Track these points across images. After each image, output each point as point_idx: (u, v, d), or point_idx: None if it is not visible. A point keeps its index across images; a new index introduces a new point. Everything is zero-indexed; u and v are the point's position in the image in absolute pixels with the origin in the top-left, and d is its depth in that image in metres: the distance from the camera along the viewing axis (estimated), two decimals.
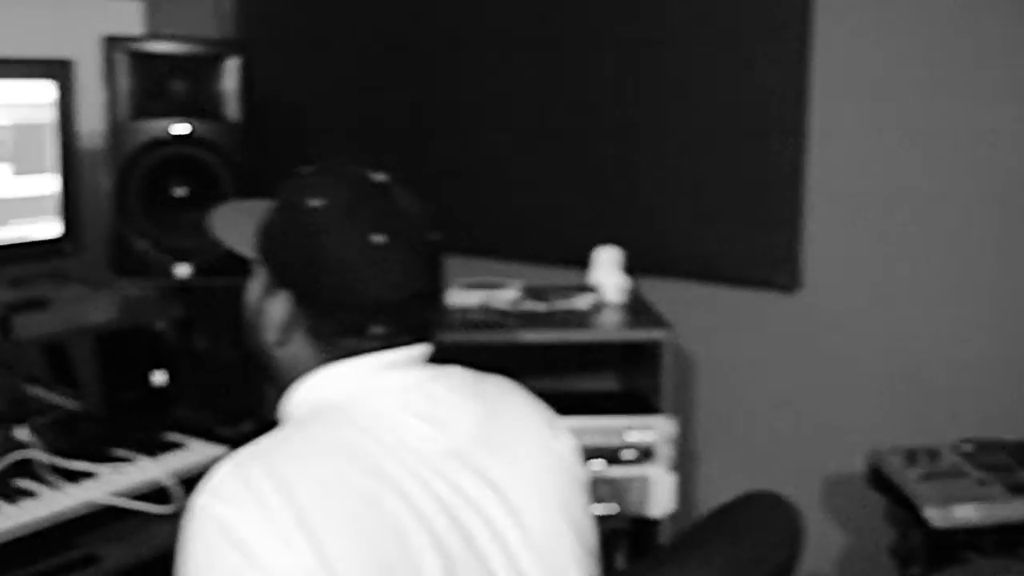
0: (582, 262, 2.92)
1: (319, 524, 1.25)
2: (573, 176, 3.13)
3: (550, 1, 3.11)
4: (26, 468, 2.17)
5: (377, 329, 1.43)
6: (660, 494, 2.59)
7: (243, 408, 2.78)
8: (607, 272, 2.84)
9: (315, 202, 1.44)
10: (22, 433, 2.27)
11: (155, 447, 2.33)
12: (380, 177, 1.48)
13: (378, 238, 1.41)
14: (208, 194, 2.71)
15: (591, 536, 1.52)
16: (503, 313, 2.68)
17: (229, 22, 3.40)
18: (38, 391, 2.66)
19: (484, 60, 3.22)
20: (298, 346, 1.47)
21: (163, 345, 2.70)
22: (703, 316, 3.03)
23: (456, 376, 1.50)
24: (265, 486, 1.27)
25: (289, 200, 1.49)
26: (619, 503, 2.59)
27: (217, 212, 1.66)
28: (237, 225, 1.59)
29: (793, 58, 2.79)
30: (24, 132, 2.58)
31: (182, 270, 2.71)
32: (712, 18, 2.89)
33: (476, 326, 2.58)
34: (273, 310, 1.49)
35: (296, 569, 1.23)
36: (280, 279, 1.48)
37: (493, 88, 3.21)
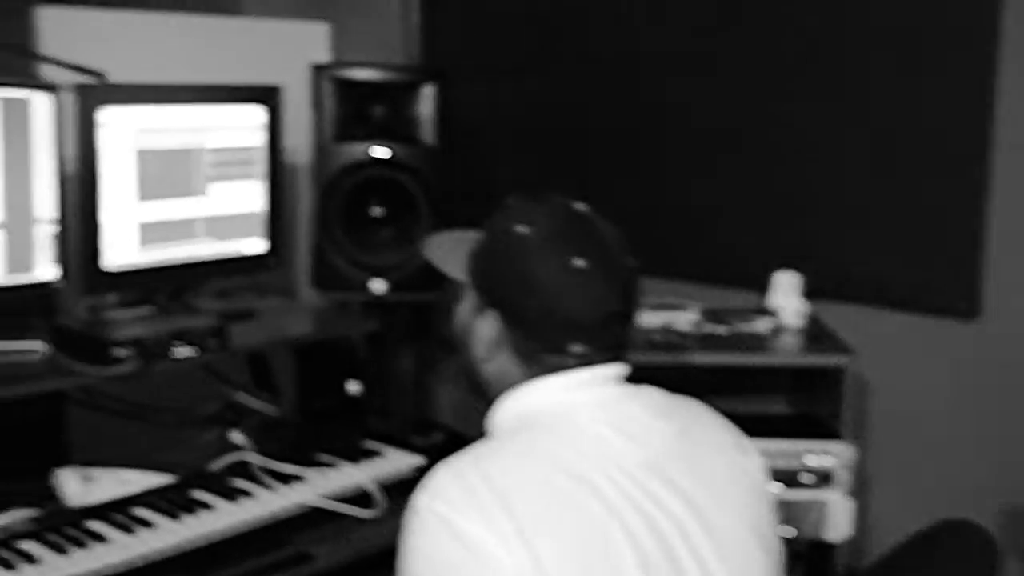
0: (760, 285, 2.95)
1: (531, 526, 1.36)
2: (753, 200, 3.17)
3: (731, 30, 3.16)
4: (242, 469, 2.34)
5: (577, 348, 1.53)
6: (838, 519, 2.61)
7: (430, 419, 2.92)
8: (786, 296, 2.87)
9: (523, 229, 1.56)
10: (236, 436, 2.44)
11: (355, 454, 2.47)
12: (581, 207, 1.59)
13: (579, 263, 1.52)
14: (404, 214, 2.85)
15: (779, 553, 1.58)
16: (684, 335, 2.75)
17: (416, 47, 3.55)
18: (242, 396, 2.85)
19: (666, 85, 3.30)
20: (504, 362, 1.58)
21: (358, 356, 2.85)
22: (880, 341, 3.03)
23: (650, 395, 1.59)
24: (482, 490, 1.38)
25: (499, 228, 1.60)
26: (796, 526, 2.62)
27: (432, 240, 1.79)
28: (450, 251, 1.71)
29: (977, 83, 2.78)
30: (235, 154, 2.77)
31: (377, 286, 2.86)
32: (894, 44, 2.90)
33: (658, 347, 2.66)
34: (482, 329, 1.59)
35: (513, 567, 1.33)
36: (489, 300, 1.59)
37: (675, 113, 3.28)
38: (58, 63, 2.68)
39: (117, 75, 2.71)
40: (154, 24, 3.03)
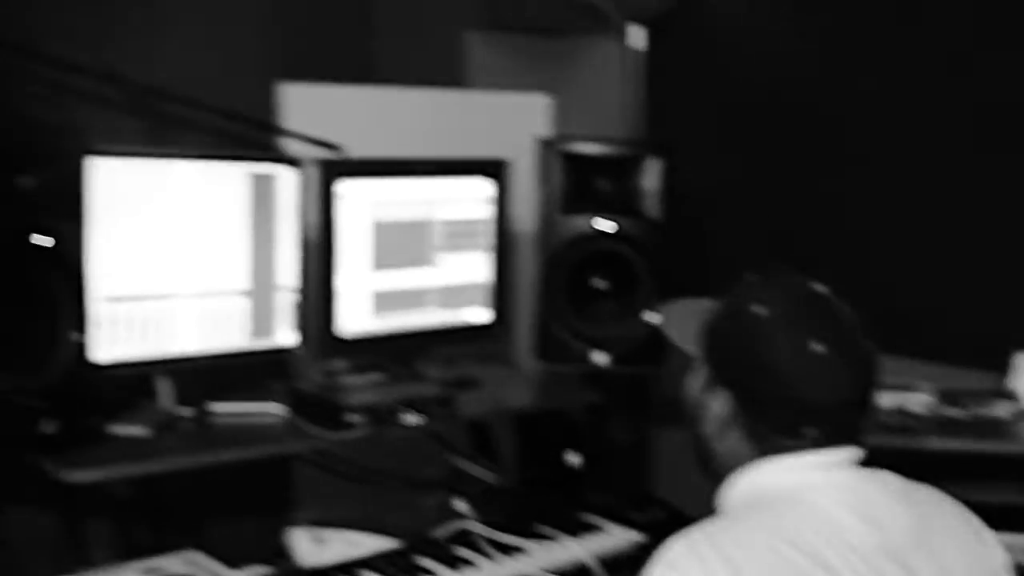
0: (999, 366, 2.81)
1: None
2: (991, 274, 3.03)
3: (961, 104, 3.06)
4: (465, 538, 2.36)
5: (811, 430, 1.49)
6: None
7: (650, 494, 2.88)
8: None
9: (760, 309, 1.53)
10: (459, 504, 2.48)
11: (575, 527, 2.46)
12: (820, 288, 1.55)
13: (817, 347, 1.48)
14: (627, 287, 2.85)
15: None
16: (918, 417, 2.63)
17: (638, 119, 3.56)
18: (463, 463, 2.89)
19: (898, 159, 3.21)
20: (735, 441, 1.55)
21: (578, 428, 2.85)
22: None
23: (887, 480, 1.53)
24: (716, 564, 1.36)
25: (735, 305, 1.58)
26: None
27: (667, 308, 1.78)
28: (684, 323, 1.69)
29: None
30: (464, 226, 2.84)
31: (600, 358, 2.86)
32: None
33: (892, 430, 2.55)
34: (713, 406, 1.57)
35: None
36: (722, 379, 1.56)
37: (909, 186, 3.18)
38: (299, 137, 2.82)
39: (353, 147, 2.83)
40: (386, 98, 3.15)
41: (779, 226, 3.42)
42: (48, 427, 2.00)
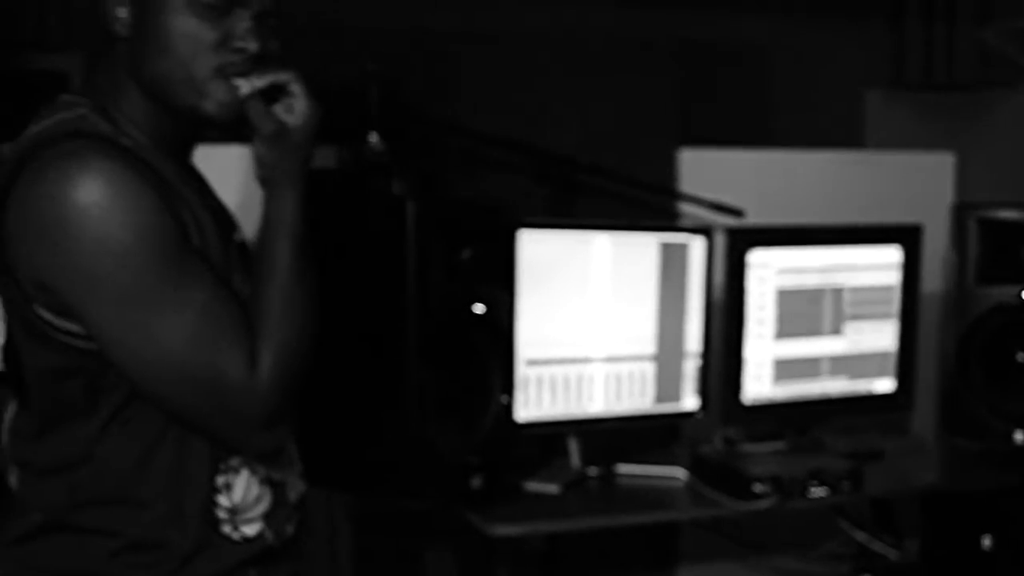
0: None
1: None
2: None
3: None
4: None
5: None
6: None
7: None
8: None
9: None
10: None
11: None
12: None
13: None
14: None
15: None
16: None
17: None
18: (861, 536, 2.78)
19: None
20: None
21: (993, 510, 2.68)
22: None
23: None
24: None
25: None
26: None
27: None
28: None
29: None
30: (870, 294, 2.75)
31: (1020, 436, 2.68)
32: None
33: None
34: None
35: None
36: None
37: None
38: (701, 202, 2.84)
39: (752, 211, 2.82)
40: (785, 161, 3.12)
41: None
42: (476, 482, 2.12)
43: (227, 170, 1.86)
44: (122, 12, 1.46)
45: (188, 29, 1.43)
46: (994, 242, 2.73)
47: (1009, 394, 2.71)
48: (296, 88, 1.49)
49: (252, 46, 1.45)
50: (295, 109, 1.48)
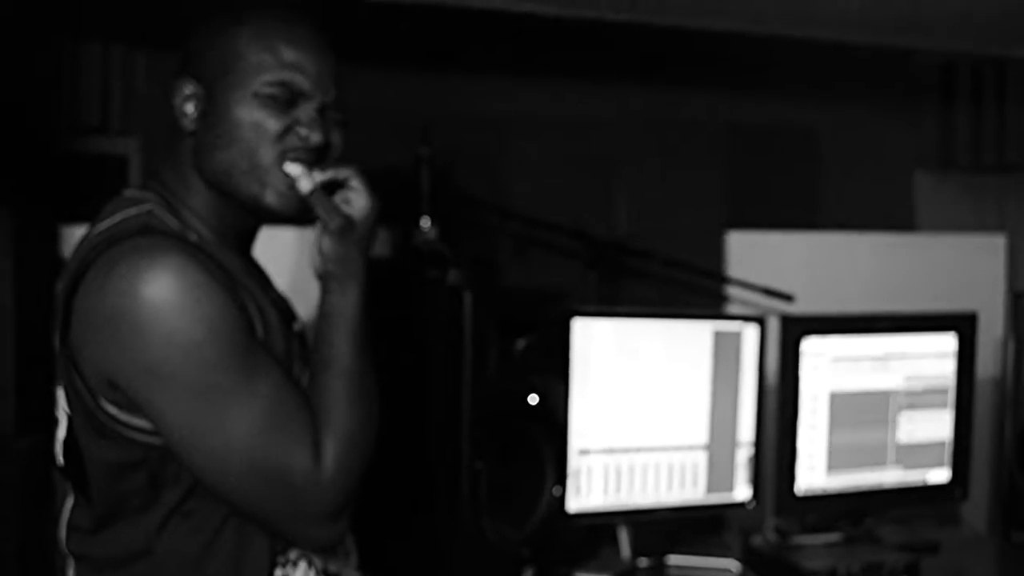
0: None
1: None
2: None
3: None
4: None
5: None
6: None
7: None
8: None
9: None
10: None
11: None
12: None
13: None
14: None
15: None
16: None
17: None
18: None
19: None
20: None
21: None
22: None
23: None
24: None
25: None
26: None
27: None
28: None
29: None
30: (926, 382, 2.71)
31: None
32: None
33: None
34: None
35: None
36: None
37: None
38: (751, 287, 2.82)
39: (801, 294, 2.79)
40: (832, 243, 3.11)
41: None
42: (527, 573, 2.09)
43: (279, 255, 1.87)
44: (190, 108, 1.48)
45: (254, 119, 1.46)
46: None
47: None
48: (356, 183, 1.50)
49: (315, 137, 1.47)
50: (355, 204, 1.49)
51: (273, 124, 1.46)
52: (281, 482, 1.38)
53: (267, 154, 1.46)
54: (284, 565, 1.48)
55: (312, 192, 1.47)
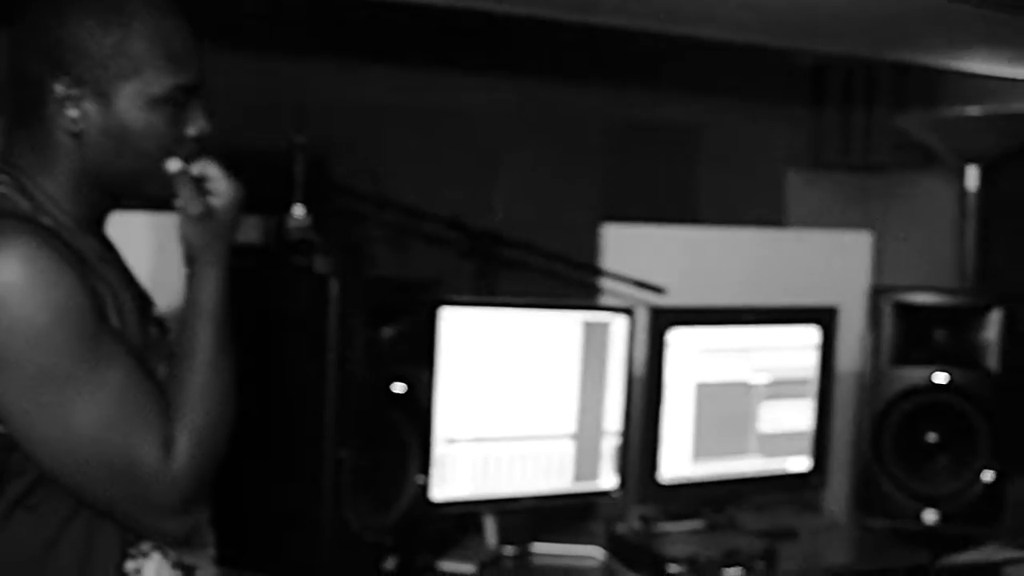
0: None
1: None
2: None
3: None
4: None
5: None
6: None
7: None
8: None
9: None
10: None
11: None
12: None
13: None
14: (961, 442, 2.75)
15: None
16: None
17: (969, 265, 3.40)
18: None
19: None
20: None
21: None
22: None
23: None
24: None
25: None
26: None
27: None
28: None
29: None
30: (787, 374, 2.79)
31: (929, 515, 2.74)
32: None
33: None
34: None
35: None
36: None
37: None
38: (624, 279, 2.87)
39: (672, 288, 2.84)
40: (706, 238, 3.17)
41: None
42: (390, 563, 2.09)
43: (138, 239, 1.85)
44: (73, 112, 1.43)
45: (153, 127, 1.43)
46: (908, 325, 2.80)
47: (919, 474, 2.77)
48: (213, 171, 1.48)
49: (206, 128, 1.47)
50: (218, 191, 1.48)
51: (173, 129, 1.45)
52: (128, 475, 1.36)
53: (168, 157, 1.45)
54: (136, 557, 1.46)
55: (178, 174, 1.45)
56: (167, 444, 1.38)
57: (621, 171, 3.26)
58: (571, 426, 2.53)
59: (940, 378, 2.74)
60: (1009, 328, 2.76)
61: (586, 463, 2.56)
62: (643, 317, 2.60)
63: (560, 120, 3.18)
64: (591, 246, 3.05)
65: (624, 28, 2.79)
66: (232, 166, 1.52)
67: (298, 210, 2.39)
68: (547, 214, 3.09)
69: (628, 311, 2.60)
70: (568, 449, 2.53)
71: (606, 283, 2.97)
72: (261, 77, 2.79)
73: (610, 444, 2.59)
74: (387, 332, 2.07)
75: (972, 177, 3.24)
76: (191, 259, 1.47)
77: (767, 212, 3.49)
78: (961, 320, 2.80)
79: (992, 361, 2.75)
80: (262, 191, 2.47)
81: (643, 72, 3.31)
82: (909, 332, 2.79)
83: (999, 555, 1.55)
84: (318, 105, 2.71)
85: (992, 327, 2.76)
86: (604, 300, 2.93)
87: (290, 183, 2.42)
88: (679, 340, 2.61)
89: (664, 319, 2.59)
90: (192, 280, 1.47)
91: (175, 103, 1.44)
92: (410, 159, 2.91)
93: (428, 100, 2.99)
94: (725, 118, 3.48)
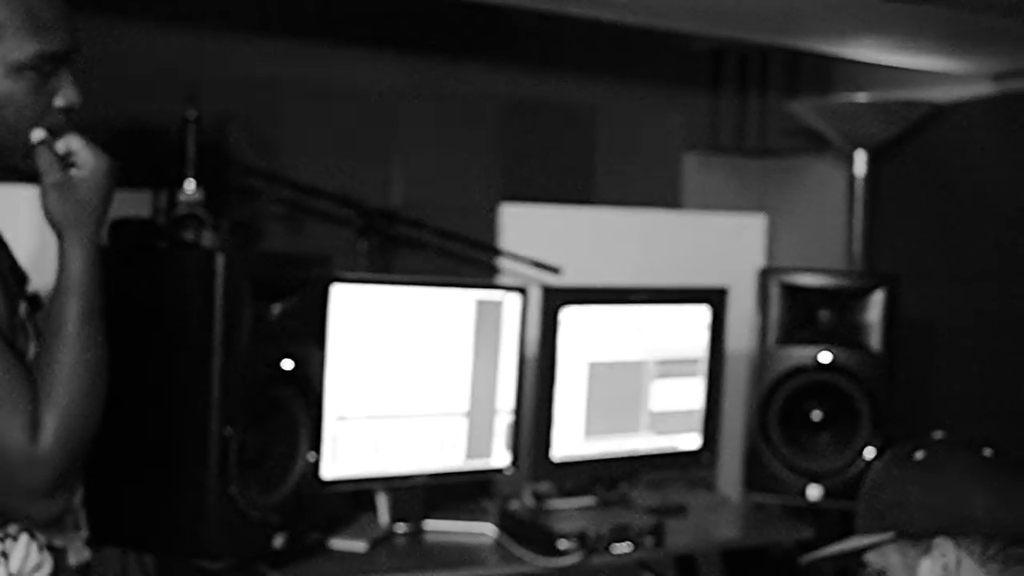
0: None
1: None
2: None
3: None
4: None
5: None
6: None
7: None
8: None
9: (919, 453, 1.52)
10: None
11: None
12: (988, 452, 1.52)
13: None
14: (845, 420, 2.82)
15: None
16: None
17: (857, 248, 3.48)
18: None
19: None
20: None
21: (790, 564, 2.78)
22: None
23: None
24: None
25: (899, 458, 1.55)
26: None
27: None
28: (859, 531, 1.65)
29: None
30: (679, 353, 2.84)
31: (813, 492, 2.81)
32: None
33: None
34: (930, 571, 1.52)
35: None
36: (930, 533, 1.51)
37: None
38: (519, 259, 2.89)
39: (569, 267, 2.88)
40: (603, 218, 3.22)
41: (1010, 363, 3.27)
42: (278, 541, 2.09)
43: (20, 213, 1.80)
44: None
45: (17, 98, 1.39)
46: (795, 305, 2.86)
47: (804, 451, 2.85)
48: (76, 143, 1.44)
49: (75, 99, 1.43)
50: (81, 160, 1.44)
51: (38, 99, 1.40)
52: None
53: (33, 128, 1.41)
54: (3, 540, 1.43)
55: (37, 145, 1.41)
56: (34, 425, 1.33)
57: (520, 151, 3.27)
58: (464, 404, 2.54)
59: (824, 358, 2.81)
60: (891, 309, 2.84)
61: (478, 441, 2.58)
62: (536, 296, 2.62)
63: (458, 99, 3.19)
64: (490, 226, 3.07)
65: (524, 8, 2.80)
66: (112, 140, 1.49)
67: (189, 185, 2.35)
68: (445, 194, 3.10)
69: (521, 290, 2.62)
70: (461, 427, 2.55)
71: (503, 263, 2.99)
72: (155, 50, 2.74)
73: (503, 422, 2.61)
74: (276, 308, 2.06)
75: (860, 162, 3.32)
76: (59, 234, 1.43)
77: (663, 194, 3.54)
78: (845, 301, 2.87)
79: (875, 341, 2.83)
80: (153, 166, 2.46)
81: (542, 52, 3.33)
82: (796, 313, 2.86)
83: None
84: (213, 79, 2.68)
85: (874, 308, 2.84)
86: (500, 279, 2.95)
87: (181, 158, 2.39)
88: (571, 319, 2.64)
89: (556, 298, 2.61)
90: (59, 256, 1.43)
91: (40, 71, 1.40)
92: (306, 136, 2.89)
93: (326, 76, 2.97)
94: (624, 100, 3.51)
